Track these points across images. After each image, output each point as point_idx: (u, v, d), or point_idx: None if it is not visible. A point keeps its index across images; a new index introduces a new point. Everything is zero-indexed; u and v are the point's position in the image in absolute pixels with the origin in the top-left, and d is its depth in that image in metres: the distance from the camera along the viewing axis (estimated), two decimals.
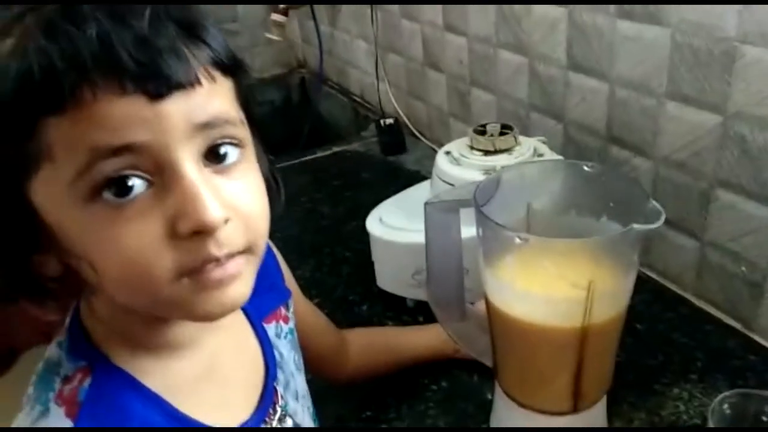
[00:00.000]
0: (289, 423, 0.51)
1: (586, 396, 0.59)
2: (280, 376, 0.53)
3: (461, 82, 1.22)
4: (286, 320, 0.57)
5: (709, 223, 0.79)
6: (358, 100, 1.69)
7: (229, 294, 0.38)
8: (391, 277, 0.89)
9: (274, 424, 0.49)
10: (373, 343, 0.78)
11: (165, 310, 0.40)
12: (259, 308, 0.53)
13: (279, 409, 0.50)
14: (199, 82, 0.36)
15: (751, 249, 0.75)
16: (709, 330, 0.80)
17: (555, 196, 0.65)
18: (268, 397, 0.50)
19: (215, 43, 0.38)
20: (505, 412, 0.65)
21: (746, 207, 0.74)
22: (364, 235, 0.89)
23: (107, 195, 0.35)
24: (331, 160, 1.41)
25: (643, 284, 0.89)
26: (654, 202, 0.53)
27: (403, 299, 0.90)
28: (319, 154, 1.43)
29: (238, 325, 0.52)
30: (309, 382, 0.60)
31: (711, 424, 0.49)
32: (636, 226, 0.50)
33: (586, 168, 0.61)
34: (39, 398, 0.40)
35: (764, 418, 0.52)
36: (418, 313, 0.89)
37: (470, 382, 0.76)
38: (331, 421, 0.70)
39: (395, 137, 1.38)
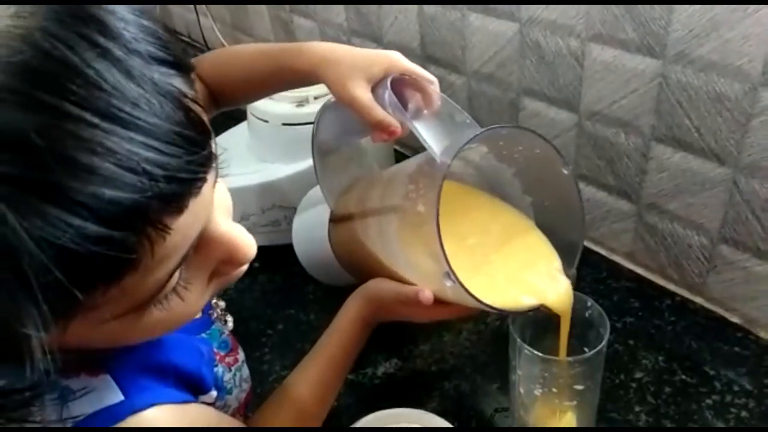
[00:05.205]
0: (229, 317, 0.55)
1: None
2: None
3: (283, 11, 1.15)
4: None
5: None
6: (186, 39, 1.56)
7: None
8: None
9: (218, 312, 0.53)
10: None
11: None
12: None
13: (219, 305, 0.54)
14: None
15: None
16: None
17: None
18: None
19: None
20: None
21: (549, 113, 0.76)
22: None
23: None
24: None
25: None
26: None
27: None
28: None
29: None
30: None
31: (513, 330, 0.50)
32: None
33: None
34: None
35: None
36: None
37: (306, 321, 0.75)
38: None
39: None
